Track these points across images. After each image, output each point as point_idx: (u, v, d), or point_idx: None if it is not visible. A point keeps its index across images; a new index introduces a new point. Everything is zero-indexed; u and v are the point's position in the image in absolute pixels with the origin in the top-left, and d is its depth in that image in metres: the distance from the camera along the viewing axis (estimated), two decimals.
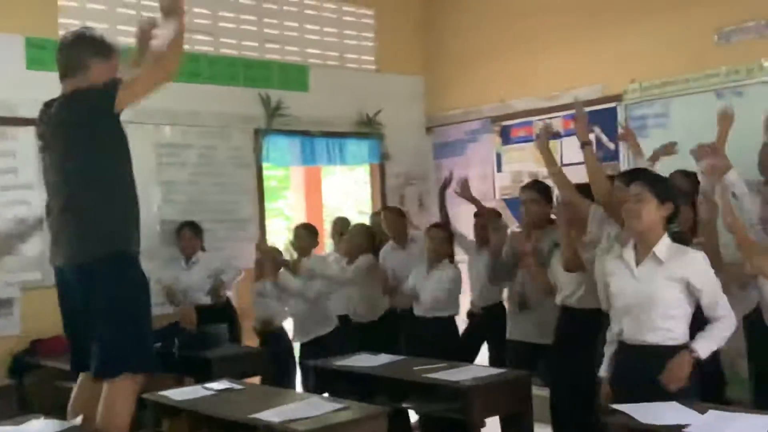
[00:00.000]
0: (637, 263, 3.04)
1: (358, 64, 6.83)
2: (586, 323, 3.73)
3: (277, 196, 10.42)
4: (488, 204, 5.86)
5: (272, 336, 5.36)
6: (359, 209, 11.89)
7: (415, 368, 3.92)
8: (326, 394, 3.99)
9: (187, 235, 5.50)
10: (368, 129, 6.70)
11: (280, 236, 8.11)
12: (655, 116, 5.48)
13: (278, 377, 4.94)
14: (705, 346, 2.91)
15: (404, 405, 3.94)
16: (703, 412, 2.72)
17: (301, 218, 8.58)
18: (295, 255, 5.30)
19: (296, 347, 5.45)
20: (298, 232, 5.51)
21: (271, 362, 5.04)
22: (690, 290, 2.95)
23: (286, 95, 6.24)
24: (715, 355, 3.60)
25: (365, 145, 6.76)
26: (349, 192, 12.32)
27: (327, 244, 6.46)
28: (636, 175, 3.43)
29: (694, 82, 5.27)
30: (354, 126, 6.66)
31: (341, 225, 5.99)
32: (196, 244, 5.52)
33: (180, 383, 4.75)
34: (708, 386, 3.09)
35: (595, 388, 3.26)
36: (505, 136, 6.47)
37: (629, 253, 3.07)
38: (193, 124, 5.79)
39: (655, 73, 5.44)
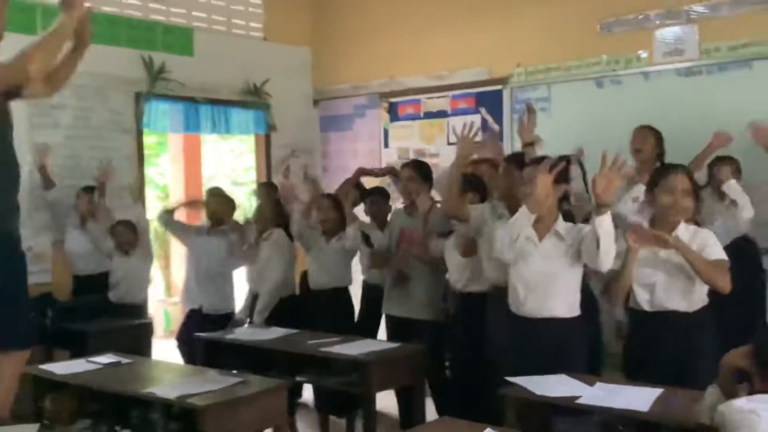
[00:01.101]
0: (539, 239, 3.18)
1: (246, 31, 6.66)
2: (473, 306, 3.81)
3: (147, 163, 10.03)
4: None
5: None
6: (234, 180, 11.69)
7: (310, 342, 3.91)
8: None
9: (86, 200, 5.21)
10: (254, 98, 6.56)
11: (152, 206, 7.84)
12: (539, 100, 5.68)
13: None
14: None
15: (300, 379, 3.94)
16: (591, 384, 2.88)
17: (178, 187, 8.37)
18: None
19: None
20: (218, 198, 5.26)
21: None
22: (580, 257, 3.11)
23: (170, 59, 6.00)
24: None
25: (251, 115, 6.62)
26: (225, 161, 12.07)
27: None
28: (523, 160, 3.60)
29: (576, 69, 5.52)
30: (240, 95, 6.50)
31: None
32: (91, 209, 5.25)
33: (50, 357, 4.55)
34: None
35: (487, 365, 3.40)
36: (393, 113, 6.54)
37: (530, 231, 3.19)
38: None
39: (540, 58, 5.65)
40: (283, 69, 6.74)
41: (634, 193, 3.80)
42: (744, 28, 4.83)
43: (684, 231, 3.05)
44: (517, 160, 3.69)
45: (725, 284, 2.92)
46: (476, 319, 3.73)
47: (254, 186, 6.61)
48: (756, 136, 4.23)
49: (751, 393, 2.08)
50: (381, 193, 5.07)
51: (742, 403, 2.01)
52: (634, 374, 3.04)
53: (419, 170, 4.47)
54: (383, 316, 4.60)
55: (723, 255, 3.00)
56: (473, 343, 3.73)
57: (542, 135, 5.36)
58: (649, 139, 4.38)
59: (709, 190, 4.26)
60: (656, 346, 3.03)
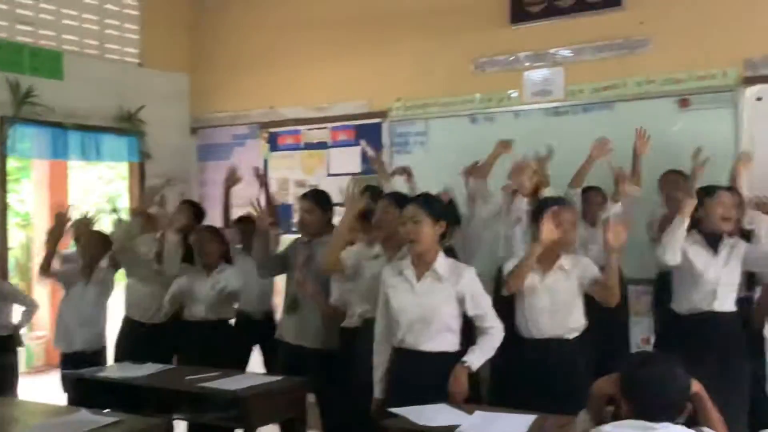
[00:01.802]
0: (418, 278, 3.20)
1: (121, 56, 6.47)
2: (353, 336, 3.82)
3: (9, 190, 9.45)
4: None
5: None
6: (102, 208, 11.22)
7: (187, 378, 3.80)
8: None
9: None
10: (128, 125, 6.37)
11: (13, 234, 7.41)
12: (417, 134, 5.85)
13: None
14: (477, 358, 3.16)
15: (177, 417, 3.81)
16: (470, 412, 2.96)
17: (42, 215, 7.95)
18: None
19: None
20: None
21: None
22: (462, 303, 3.18)
23: (39, 82, 5.74)
24: None
25: (124, 142, 6.41)
26: (92, 189, 11.57)
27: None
28: (404, 197, 3.64)
29: (451, 105, 5.72)
30: (113, 121, 6.29)
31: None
32: None
33: None
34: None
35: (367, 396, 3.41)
36: (273, 143, 6.52)
37: (409, 270, 3.23)
38: None
39: (419, 93, 5.82)
40: (160, 96, 6.60)
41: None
42: (606, 71, 5.17)
43: (566, 259, 3.23)
44: (397, 198, 3.67)
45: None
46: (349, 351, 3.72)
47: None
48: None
49: (617, 419, 2.20)
50: (250, 220, 5.06)
51: (609, 428, 2.14)
52: (511, 400, 3.15)
53: (319, 201, 4.26)
54: (280, 344, 4.49)
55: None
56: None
57: (419, 168, 5.56)
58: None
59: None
60: (535, 372, 3.16)
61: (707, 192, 3.69)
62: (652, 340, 4.69)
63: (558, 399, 3.02)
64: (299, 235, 4.33)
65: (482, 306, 3.18)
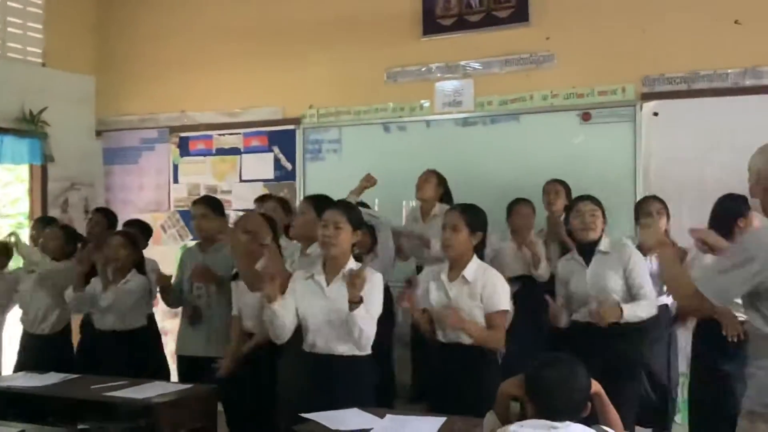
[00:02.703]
0: (328, 283, 3.24)
1: (23, 55, 6.24)
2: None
3: None
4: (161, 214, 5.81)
5: None
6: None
7: (93, 387, 3.70)
8: None
9: None
10: (30, 127, 6.13)
11: None
12: (330, 142, 5.89)
13: None
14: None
15: (81, 427, 3.69)
16: (382, 416, 3.01)
17: None
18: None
19: None
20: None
21: None
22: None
23: None
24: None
25: (25, 143, 6.16)
26: None
27: None
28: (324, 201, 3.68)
29: (365, 114, 5.79)
30: (13, 122, 6.05)
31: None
32: None
33: None
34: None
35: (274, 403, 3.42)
36: (184, 148, 6.42)
37: (320, 275, 3.26)
38: None
39: (332, 101, 5.86)
40: (64, 97, 6.39)
41: None
42: (513, 84, 5.35)
43: (475, 267, 3.31)
44: (316, 201, 3.68)
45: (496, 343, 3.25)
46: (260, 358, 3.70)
47: (25, 219, 6.19)
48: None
49: (522, 418, 2.29)
50: (138, 225, 4.98)
51: (515, 428, 2.22)
52: (428, 403, 3.22)
53: (213, 207, 4.36)
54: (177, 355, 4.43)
55: (505, 305, 3.30)
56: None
57: (334, 176, 5.62)
58: (431, 181, 4.81)
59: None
60: (445, 376, 3.24)
61: (570, 204, 3.87)
62: None
63: (466, 401, 3.10)
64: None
65: (371, 312, 3.17)
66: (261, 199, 5.09)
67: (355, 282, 3.05)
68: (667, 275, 2.86)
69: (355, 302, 3.06)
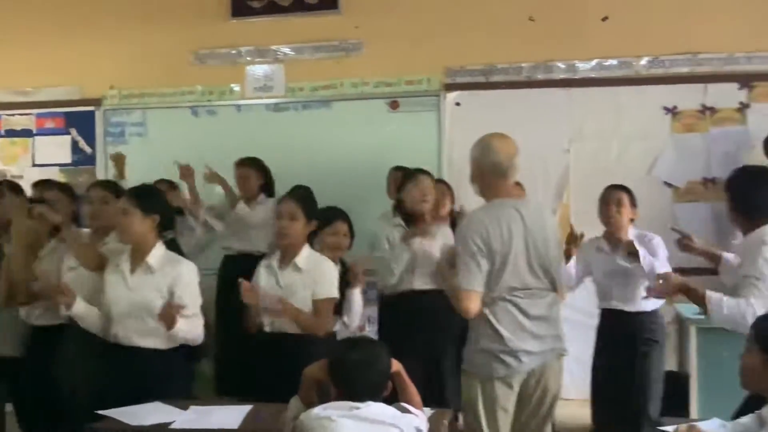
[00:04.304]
0: (132, 271, 3.10)
1: None
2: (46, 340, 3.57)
3: None
4: None
5: None
6: None
7: None
8: None
9: None
10: None
11: None
12: (134, 124, 5.62)
13: None
14: None
15: None
16: (185, 408, 2.92)
17: None
18: None
19: None
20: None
21: None
22: (172, 297, 3.06)
23: None
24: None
25: None
26: None
27: None
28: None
29: (171, 96, 5.57)
30: None
31: None
32: None
33: None
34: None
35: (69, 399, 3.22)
36: None
37: (125, 263, 3.12)
38: None
39: (135, 82, 5.59)
40: None
41: None
42: (324, 71, 5.37)
43: (307, 255, 3.29)
44: (114, 187, 3.54)
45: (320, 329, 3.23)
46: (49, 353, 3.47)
47: None
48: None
49: (328, 401, 2.32)
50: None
51: (318, 410, 2.24)
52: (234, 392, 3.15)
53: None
54: None
55: (333, 293, 3.29)
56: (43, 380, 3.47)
57: (138, 160, 5.37)
58: (251, 172, 4.75)
59: None
60: (271, 367, 3.17)
61: (407, 176, 3.99)
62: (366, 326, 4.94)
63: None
64: None
65: (184, 301, 3.05)
66: (39, 185, 4.35)
67: (166, 316, 2.93)
68: None
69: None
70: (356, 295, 3.53)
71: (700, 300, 2.70)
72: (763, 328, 2.14)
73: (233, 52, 5.51)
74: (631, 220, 3.84)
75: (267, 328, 3.26)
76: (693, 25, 4.88)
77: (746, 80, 4.84)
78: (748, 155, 4.65)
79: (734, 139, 4.81)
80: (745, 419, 2.30)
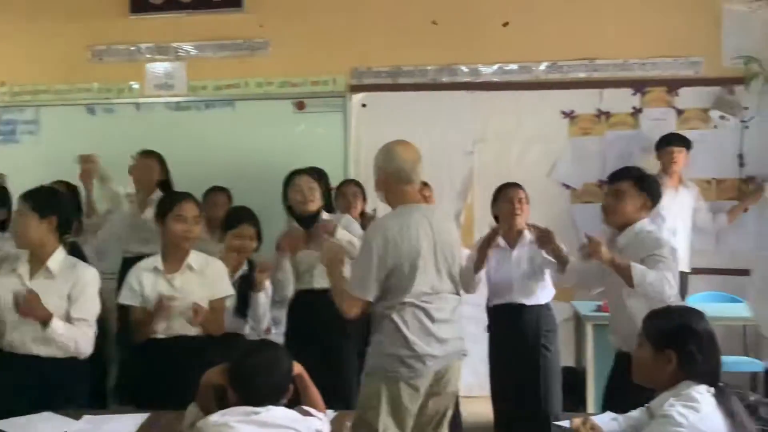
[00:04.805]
0: (31, 276, 2.97)
1: None
2: None
3: None
4: None
5: None
6: None
7: None
8: None
9: None
10: None
11: None
12: (26, 123, 5.38)
13: None
14: None
15: None
16: (78, 418, 2.80)
17: None
18: None
19: None
20: None
21: None
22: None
23: None
24: None
25: None
26: None
27: None
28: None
29: (66, 93, 5.36)
30: None
31: None
32: None
33: None
34: None
35: None
36: None
37: (24, 267, 2.98)
38: None
39: (28, 78, 5.36)
40: None
41: None
42: (228, 70, 5.28)
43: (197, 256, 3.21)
44: None
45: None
46: None
47: None
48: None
49: (226, 407, 2.26)
50: None
51: (216, 417, 2.19)
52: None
53: None
54: None
55: (228, 291, 3.26)
56: None
57: (30, 160, 5.14)
58: (153, 167, 4.57)
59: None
60: (169, 371, 3.07)
61: (286, 178, 3.92)
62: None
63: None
64: None
65: (82, 310, 2.96)
66: None
67: (26, 309, 2.80)
68: None
69: (43, 322, 2.82)
70: (261, 298, 3.48)
71: (624, 270, 2.90)
72: (652, 323, 2.23)
73: (132, 48, 5.34)
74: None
75: (161, 335, 3.16)
76: (589, 32, 5.06)
77: (639, 86, 5.05)
78: (641, 158, 4.86)
79: (628, 142, 5.01)
80: (635, 413, 2.39)
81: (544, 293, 3.81)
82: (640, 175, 3.21)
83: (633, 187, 3.14)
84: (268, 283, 3.55)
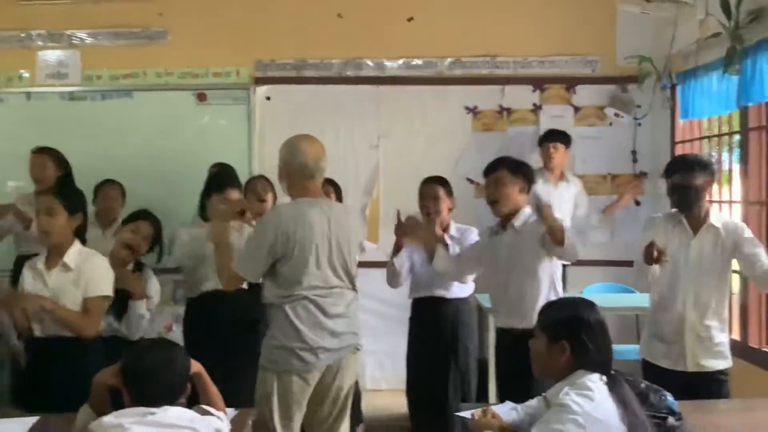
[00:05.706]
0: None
1: None
2: None
3: None
4: None
5: None
6: None
7: None
8: None
9: None
10: None
11: None
12: None
13: None
14: None
15: None
16: None
17: None
18: None
19: None
20: None
21: None
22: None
23: None
24: None
25: None
26: None
27: None
28: None
29: None
30: None
31: None
32: None
33: None
34: None
35: None
36: None
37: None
38: None
39: None
40: None
41: None
42: (125, 59, 5.10)
43: (77, 251, 3.08)
44: None
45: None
46: None
47: None
48: None
49: (120, 408, 2.18)
50: None
51: (110, 418, 2.11)
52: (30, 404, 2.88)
53: None
54: None
55: (106, 290, 3.12)
56: None
57: None
58: (47, 164, 4.32)
59: None
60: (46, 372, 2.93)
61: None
62: (173, 326, 4.74)
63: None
64: None
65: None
66: None
67: None
68: None
69: None
70: (138, 306, 3.35)
71: (562, 230, 3.04)
72: (547, 315, 2.28)
73: (22, 35, 5.09)
74: (450, 210, 3.95)
75: (37, 333, 3.02)
76: (491, 29, 5.15)
77: (539, 83, 5.18)
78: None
79: (528, 138, 5.13)
80: (533, 402, 2.45)
81: (463, 287, 3.88)
82: (512, 161, 3.34)
83: (508, 173, 3.27)
84: (153, 292, 3.45)
